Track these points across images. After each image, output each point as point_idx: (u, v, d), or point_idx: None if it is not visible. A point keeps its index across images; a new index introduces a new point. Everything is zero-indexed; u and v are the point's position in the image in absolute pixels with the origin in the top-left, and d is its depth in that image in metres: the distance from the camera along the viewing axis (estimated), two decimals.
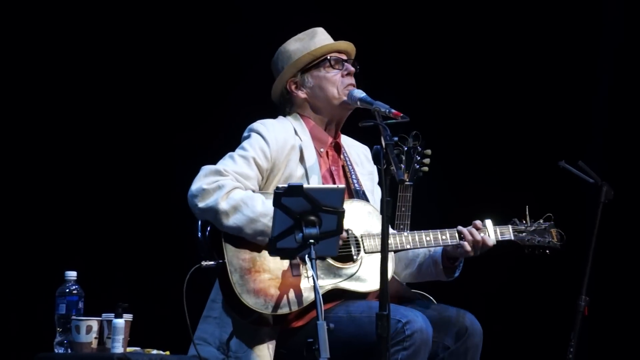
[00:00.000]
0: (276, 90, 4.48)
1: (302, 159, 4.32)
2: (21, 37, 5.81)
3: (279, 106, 4.49)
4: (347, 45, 4.45)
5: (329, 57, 4.41)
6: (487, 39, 6.60)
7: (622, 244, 6.35)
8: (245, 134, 4.34)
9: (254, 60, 6.05)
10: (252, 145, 4.25)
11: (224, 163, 4.20)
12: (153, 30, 6.06)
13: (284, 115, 4.46)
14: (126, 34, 6.01)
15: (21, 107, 5.81)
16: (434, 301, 5.23)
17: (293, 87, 4.44)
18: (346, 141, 4.54)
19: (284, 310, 4.08)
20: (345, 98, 4.38)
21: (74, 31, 5.91)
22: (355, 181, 4.42)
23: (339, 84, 4.40)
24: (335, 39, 4.46)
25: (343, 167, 4.45)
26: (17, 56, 5.80)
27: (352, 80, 4.41)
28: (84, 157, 5.91)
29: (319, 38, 4.44)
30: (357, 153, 4.54)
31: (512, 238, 4.42)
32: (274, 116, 4.43)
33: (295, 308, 4.09)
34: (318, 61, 4.41)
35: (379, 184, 4.44)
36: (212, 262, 4.09)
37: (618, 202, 5.58)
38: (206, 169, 4.17)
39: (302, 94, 4.43)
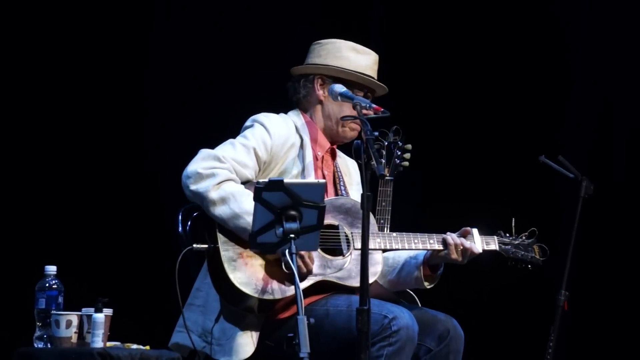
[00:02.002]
0: (301, 70, 4.47)
1: (299, 157, 4.33)
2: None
3: (292, 86, 4.47)
4: (381, 91, 4.46)
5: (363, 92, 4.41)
6: (467, 35, 6.61)
7: (602, 239, 6.38)
8: (247, 123, 4.34)
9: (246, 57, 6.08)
10: (254, 135, 4.26)
11: (224, 149, 4.21)
12: (141, 24, 6.05)
13: (293, 98, 4.46)
14: (114, 26, 5.99)
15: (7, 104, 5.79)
16: (418, 301, 5.25)
17: (319, 82, 4.43)
18: (339, 153, 4.56)
19: (269, 296, 4.09)
20: (348, 132, 4.41)
21: (52, 25, 5.88)
22: (342, 187, 4.44)
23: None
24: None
25: (334, 173, 4.46)
26: None
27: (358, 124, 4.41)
28: (63, 151, 5.89)
29: (371, 66, 4.44)
30: (347, 165, 4.58)
31: (497, 248, 4.45)
32: (273, 111, 4.42)
33: (280, 296, 4.11)
34: (355, 84, 4.40)
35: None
36: (204, 246, 4.11)
37: (598, 197, 5.61)
38: (205, 152, 4.17)
39: (321, 95, 4.43)
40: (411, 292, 5.30)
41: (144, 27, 6.02)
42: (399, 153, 5.22)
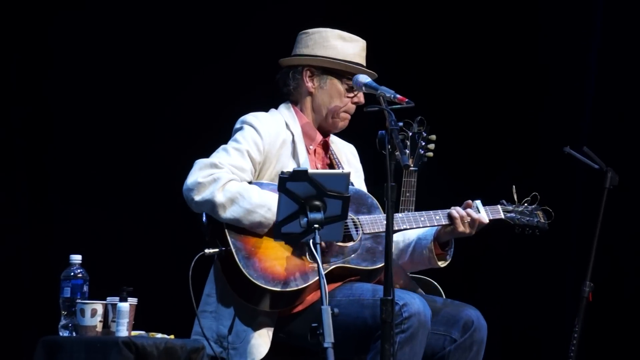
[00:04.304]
0: (289, 62, 4.45)
1: (293, 154, 4.33)
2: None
3: (281, 78, 4.45)
4: (372, 78, 4.40)
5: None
6: (488, 24, 6.60)
7: (626, 230, 6.35)
8: (237, 125, 4.33)
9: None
10: (245, 138, 4.25)
11: (218, 156, 4.20)
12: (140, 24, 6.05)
13: (283, 90, 4.44)
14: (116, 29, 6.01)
15: (28, 92, 5.81)
16: (442, 292, 5.24)
17: (307, 74, 4.41)
18: (333, 140, 4.54)
19: (288, 287, 4.09)
20: (339, 123, 4.40)
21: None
22: None
23: (345, 105, 4.39)
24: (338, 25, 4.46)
25: (330, 165, 4.46)
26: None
27: (353, 109, 4.41)
28: (88, 140, 5.91)
29: (359, 53, 4.41)
30: (344, 152, 4.56)
31: (503, 217, 4.44)
32: (262, 109, 4.41)
33: (301, 285, 4.10)
34: (344, 73, 4.38)
35: (384, 169, 4.45)
36: (215, 250, 4.11)
37: (623, 187, 5.58)
38: (201, 162, 4.17)
39: (311, 87, 4.41)
40: (435, 284, 5.31)
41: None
42: (423, 143, 5.22)
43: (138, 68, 5.98)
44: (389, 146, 3.84)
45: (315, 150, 4.43)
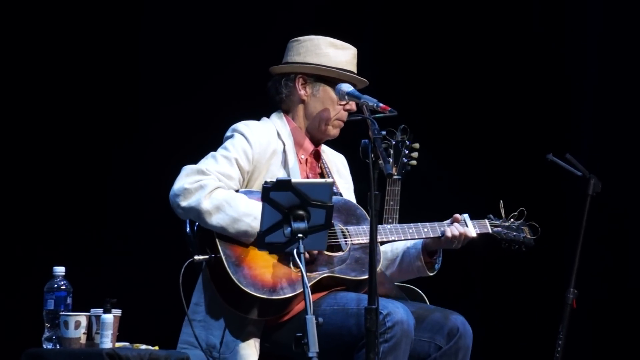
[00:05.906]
0: (281, 70, 4.44)
1: (284, 163, 4.33)
2: None
3: (273, 86, 4.45)
4: (362, 84, 4.42)
5: None
6: (472, 32, 6.61)
7: (610, 237, 6.37)
8: (228, 133, 4.33)
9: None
10: (234, 146, 4.24)
11: (206, 163, 4.20)
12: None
13: (275, 98, 4.44)
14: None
15: (12, 104, 5.79)
16: (426, 299, 5.25)
17: (300, 81, 4.40)
18: (324, 149, 4.54)
19: (277, 295, 4.08)
20: (332, 130, 4.40)
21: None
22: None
23: (338, 113, 4.39)
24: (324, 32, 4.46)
25: (321, 174, 4.45)
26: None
27: (345, 116, 4.41)
28: (72, 151, 5.90)
29: (350, 60, 4.41)
30: (335, 162, 4.55)
31: (490, 231, 4.46)
32: (254, 117, 4.41)
33: (289, 294, 4.10)
34: (337, 81, 4.37)
35: (367, 178, 4.46)
36: (205, 256, 4.10)
37: (606, 194, 5.60)
38: (188, 168, 4.16)
39: (303, 95, 4.40)
40: (419, 291, 5.31)
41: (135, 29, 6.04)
42: (407, 152, 5.23)
43: (128, 75, 5.99)
44: (372, 155, 3.84)
45: (306, 159, 4.43)
